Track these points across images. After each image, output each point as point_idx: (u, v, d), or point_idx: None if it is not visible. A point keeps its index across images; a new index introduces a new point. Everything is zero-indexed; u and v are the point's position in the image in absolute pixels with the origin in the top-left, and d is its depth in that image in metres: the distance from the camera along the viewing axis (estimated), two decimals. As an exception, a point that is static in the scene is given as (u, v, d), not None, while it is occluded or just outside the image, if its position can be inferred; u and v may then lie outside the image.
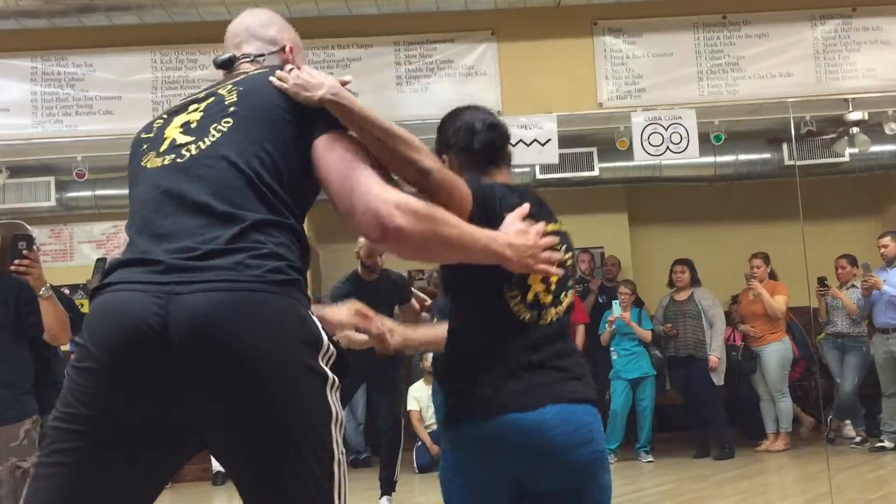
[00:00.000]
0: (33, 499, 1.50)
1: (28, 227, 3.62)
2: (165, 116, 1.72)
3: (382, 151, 1.59)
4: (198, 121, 1.64)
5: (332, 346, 1.53)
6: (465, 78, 4.05)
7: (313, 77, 1.62)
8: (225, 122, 1.62)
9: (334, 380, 1.52)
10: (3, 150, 4.78)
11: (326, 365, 1.50)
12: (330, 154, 1.58)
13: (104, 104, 2.15)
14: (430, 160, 1.62)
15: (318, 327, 1.51)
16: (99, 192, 6.27)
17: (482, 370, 1.79)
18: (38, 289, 3.23)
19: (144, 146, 1.68)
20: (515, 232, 1.74)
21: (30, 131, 3.99)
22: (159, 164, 1.61)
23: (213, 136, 1.60)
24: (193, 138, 1.62)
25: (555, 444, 1.75)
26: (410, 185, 1.62)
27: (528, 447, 1.75)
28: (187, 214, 1.51)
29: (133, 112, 3.85)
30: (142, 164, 1.65)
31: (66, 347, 3.58)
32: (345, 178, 1.55)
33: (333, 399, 1.51)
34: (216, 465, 6.19)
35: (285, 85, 1.64)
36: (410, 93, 4.05)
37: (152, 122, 1.74)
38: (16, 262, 3.21)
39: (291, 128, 1.60)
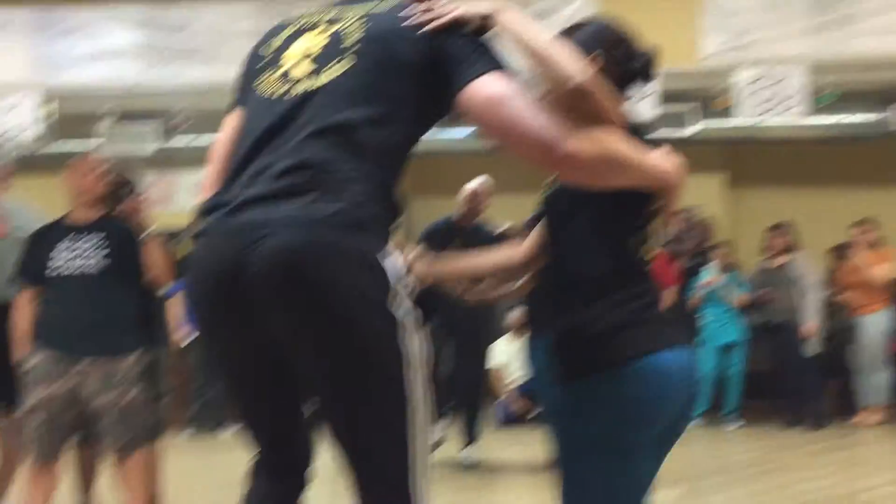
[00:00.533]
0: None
1: (135, 171, 3.76)
2: (285, 36, 1.67)
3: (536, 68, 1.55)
4: (318, 52, 1.59)
5: (405, 293, 1.55)
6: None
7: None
8: (344, 62, 1.57)
9: (408, 324, 1.54)
10: (112, 96, 4.94)
11: (398, 310, 1.52)
12: (479, 100, 1.53)
13: (210, 51, 2.17)
14: (581, 74, 1.54)
15: (389, 273, 1.52)
16: (200, 138, 6.45)
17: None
18: (142, 232, 3.37)
19: (259, 65, 1.67)
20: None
21: (137, 77, 4.11)
22: (269, 95, 1.60)
23: (329, 75, 1.56)
24: (309, 71, 1.58)
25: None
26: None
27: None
28: (283, 157, 1.51)
29: (236, 60, 3.91)
30: (254, 85, 1.65)
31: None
32: (501, 124, 1.53)
33: (408, 344, 1.53)
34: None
35: (437, 24, 1.56)
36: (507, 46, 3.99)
37: (270, 37, 1.70)
38: (122, 205, 3.35)
39: (419, 76, 1.56)
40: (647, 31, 4.14)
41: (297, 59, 1.60)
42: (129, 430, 3.31)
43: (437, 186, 7.70)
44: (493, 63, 1.55)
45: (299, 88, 1.56)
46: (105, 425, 3.30)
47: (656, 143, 1.76)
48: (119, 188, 3.42)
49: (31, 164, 5.31)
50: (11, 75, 4.09)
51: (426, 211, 7.05)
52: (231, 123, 1.71)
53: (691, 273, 6.97)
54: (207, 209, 1.58)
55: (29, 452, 3.31)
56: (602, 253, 1.73)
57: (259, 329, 1.52)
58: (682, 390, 1.72)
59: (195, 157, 6.62)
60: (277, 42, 1.67)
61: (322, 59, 1.58)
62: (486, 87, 1.52)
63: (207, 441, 6.54)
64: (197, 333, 2.79)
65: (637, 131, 1.71)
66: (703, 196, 7.20)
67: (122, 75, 4.14)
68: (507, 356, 6.96)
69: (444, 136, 6.92)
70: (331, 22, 1.63)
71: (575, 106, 1.53)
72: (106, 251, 3.37)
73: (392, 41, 1.57)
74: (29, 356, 3.31)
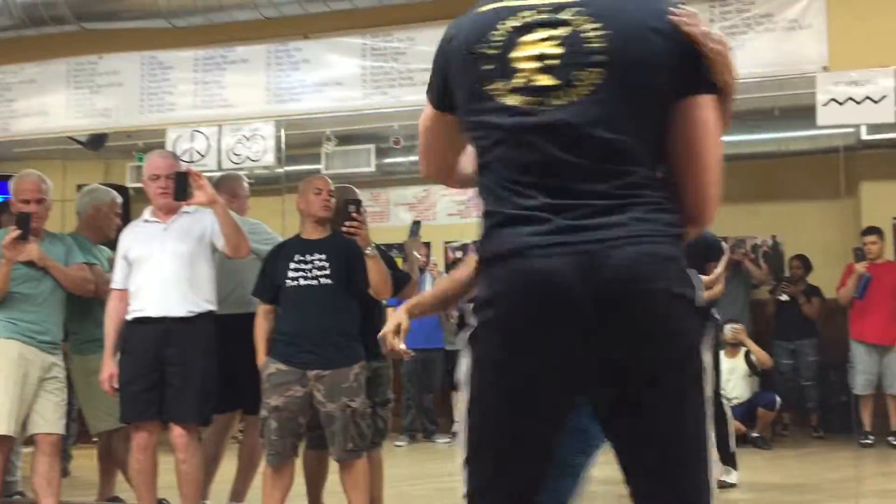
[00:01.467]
0: None
1: (356, 191, 3.98)
2: (507, 30, 1.51)
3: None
4: (558, 58, 1.47)
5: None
6: (787, 33, 3.73)
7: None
8: (592, 74, 1.46)
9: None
10: (334, 121, 5.25)
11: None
12: (697, 119, 1.50)
13: (424, 76, 2.27)
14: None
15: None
16: (413, 158, 6.72)
17: None
18: (364, 248, 3.55)
19: (485, 66, 1.51)
20: None
21: (358, 103, 4.34)
22: (517, 105, 1.49)
23: (581, 89, 1.46)
24: (558, 82, 1.47)
25: None
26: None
27: None
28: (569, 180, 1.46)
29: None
30: (487, 90, 1.51)
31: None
32: (702, 152, 1.51)
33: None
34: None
35: (693, 31, 1.46)
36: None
37: (486, 31, 1.52)
38: (346, 223, 3.54)
39: (667, 85, 1.48)
40: (884, 28, 3.84)
41: (537, 63, 1.49)
42: (353, 436, 3.48)
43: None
44: (714, 90, 1.52)
45: (557, 101, 1.47)
46: (331, 431, 3.50)
47: None
48: (345, 205, 3.62)
49: (266, 186, 5.76)
50: (251, 107, 4.47)
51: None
52: (445, 125, 1.64)
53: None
54: (500, 223, 1.50)
55: (266, 453, 3.57)
56: None
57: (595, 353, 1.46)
58: None
59: (407, 176, 6.93)
60: (497, 37, 1.51)
61: (567, 63, 1.47)
62: (712, 109, 1.51)
63: (421, 449, 6.75)
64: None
65: None
66: None
67: (343, 102, 4.39)
68: (723, 373, 6.66)
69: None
70: (556, 22, 1.49)
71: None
72: (332, 267, 3.58)
73: (640, 38, 1.47)
74: (266, 365, 3.58)
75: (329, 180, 3.83)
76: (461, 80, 1.57)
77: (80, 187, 6.02)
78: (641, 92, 1.48)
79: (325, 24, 4.37)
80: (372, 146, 6.82)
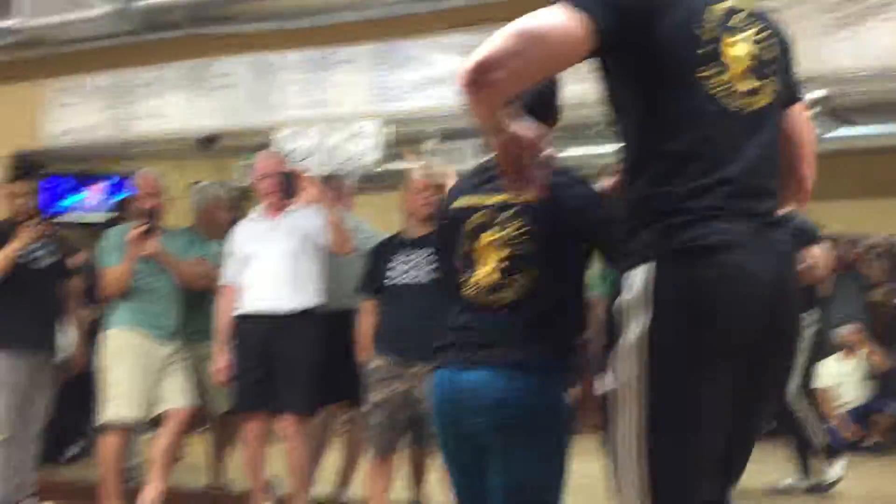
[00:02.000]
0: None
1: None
2: (718, 18, 1.52)
3: None
4: (759, 61, 1.54)
5: None
6: (911, 21, 3.57)
7: None
8: (772, 82, 1.56)
9: None
10: (436, 119, 5.29)
11: None
12: (804, 120, 1.69)
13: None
14: None
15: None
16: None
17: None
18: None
19: (699, 49, 1.49)
20: None
21: (457, 100, 4.37)
22: (725, 98, 1.49)
23: (770, 95, 1.56)
24: (759, 85, 1.54)
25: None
26: None
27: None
28: (758, 185, 1.51)
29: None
30: (697, 76, 1.48)
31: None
32: (809, 144, 1.69)
33: None
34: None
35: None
36: (844, 41, 3.67)
37: (699, 12, 1.50)
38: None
39: (792, 94, 1.67)
40: None
41: (742, 66, 1.51)
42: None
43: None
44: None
45: (753, 106, 1.52)
46: (431, 428, 3.52)
47: None
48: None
49: (370, 183, 5.86)
50: (355, 106, 4.56)
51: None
52: (579, 53, 1.46)
53: None
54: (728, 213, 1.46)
55: (370, 446, 3.63)
56: None
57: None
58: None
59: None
60: (712, 23, 1.51)
61: (760, 75, 1.54)
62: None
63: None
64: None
65: None
66: None
67: (445, 100, 4.41)
68: (838, 376, 6.39)
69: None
70: (750, 21, 1.56)
71: None
72: (434, 263, 3.60)
73: (787, 52, 1.63)
74: (370, 360, 3.64)
75: (434, 175, 3.84)
76: (676, 59, 1.49)
77: (192, 185, 6.28)
78: (786, 102, 1.63)
79: (427, 24, 4.41)
80: (473, 143, 6.83)
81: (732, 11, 1.54)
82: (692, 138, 1.47)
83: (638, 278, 1.45)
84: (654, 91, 1.49)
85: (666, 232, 1.44)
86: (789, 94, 1.61)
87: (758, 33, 1.55)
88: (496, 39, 1.44)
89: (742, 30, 1.53)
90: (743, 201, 1.46)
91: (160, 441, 3.88)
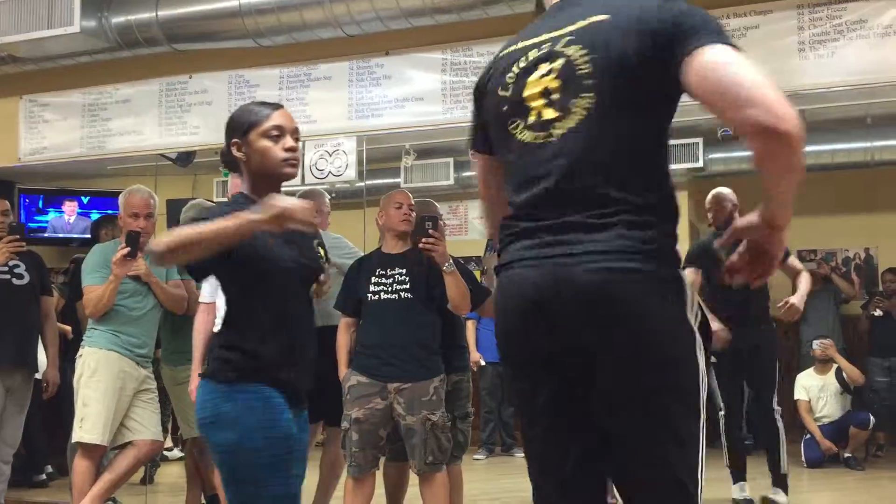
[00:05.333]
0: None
1: (437, 206, 4.00)
2: (514, 69, 1.68)
3: None
4: (557, 91, 1.62)
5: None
6: (881, 39, 3.60)
7: None
8: (585, 99, 1.60)
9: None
10: (413, 135, 5.30)
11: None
12: (710, 58, 1.50)
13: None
14: None
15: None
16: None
17: None
18: (441, 264, 3.55)
19: (505, 107, 1.69)
20: None
21: (438, 118, 4.38)
22: (530, 140, 1.65)
23: (576, 115, 1.60)
24: (559, 115, 1.62)
25: None
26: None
27: None
28: (561, 204, 1.61)
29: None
30: (510, 130, 1.68)
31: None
32: (712, 93, 1.50)
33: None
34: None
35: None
36: (815, 59, 3.72)
37: (501, 73, 1.70)
38: (423, 240, 3.55)
39: (660, 69, 1.55)
40: None
41: (542, 98, 1.64)
42: (432, 449, 3.49)
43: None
44: (725, 39, 1.53)
45: (558, 131, 1.62)
46: (411, 444, 3.52)
47: None
48: (422, 221, 3.64)
49: (348, 200, 5.86)
50: (333, 122, 4.56)
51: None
52: (487, 167, 1.84)
53: None
54: (509, 239, 1.71)
55: (348, 464, 3.61)
56: None
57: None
58: None
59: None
60: (510, 78, 1.68)
61: (566, 93, 1.61)
62: (714, 51, 1.50)
63: (499, 463, 6.72)
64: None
65: None
66: None
67: (423, 117, 4.43)
68: (813, 391, 6.45)
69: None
70: (552, 55, 1.64)
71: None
72: (413, 281, 3.61)
73: (617, 52, 1.57)
74: (348, 377, 3.62)
75: (409, 194, 3.86)
76: (491, 126, 1.75)
77: (169, 202, 6.24)
78: (632, 98, 1.58)
79: (406, 41, 4.43)
80: (451, 160, 6.85)
81: (532, 48, 1.68)
82: (508, 184, 1.72)
83: None
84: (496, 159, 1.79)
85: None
86: (639, 80, 1.57)
87: (554, 61, 1.63)
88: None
89: (536, 67, 1.65)
90: (523, 223, 1.65)
91: (119, 462, 3.82)
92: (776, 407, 4.68)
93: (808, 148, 6.10)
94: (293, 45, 4.54)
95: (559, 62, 1.62)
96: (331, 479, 4.12)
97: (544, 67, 1.64)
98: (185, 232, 2.02)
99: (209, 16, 4.53)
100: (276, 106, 2.29)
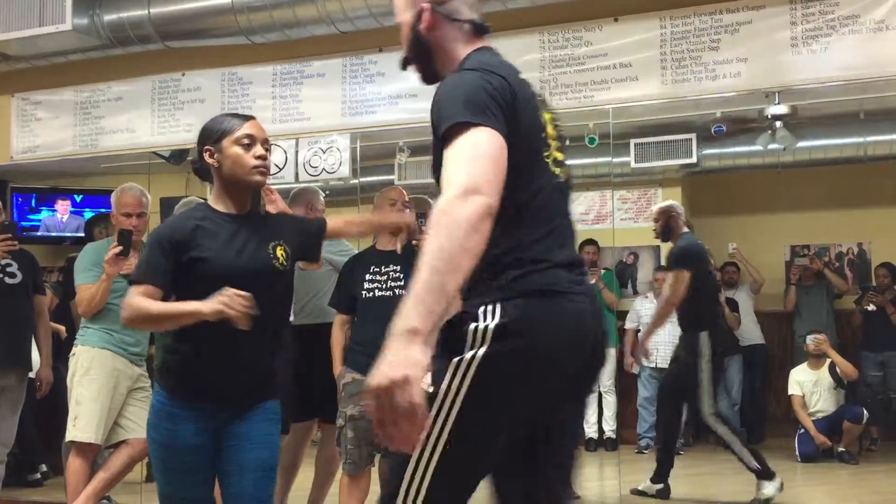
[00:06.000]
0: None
1: (431, 203, 3.99)
2: (533, 101, 1.74)
3: None
4: (556, 139, 1.79)
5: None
6: (873, 34, 3.60)
7: None
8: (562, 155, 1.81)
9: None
10: (407, 132, 5.29)
11: None
12: None
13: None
14: None
15: None
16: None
17: None
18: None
19: (542, 134, 1.73)
20: None
21: (428, 115, 4.38)
22: (557, 174, 1.76)
23: (564, 170, 1.80)
24: (562, 160, 1.80)
25: None
26: None
27: None
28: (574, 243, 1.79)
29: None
30: (544, 157, 1.73)
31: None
32: None
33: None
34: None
35: None
36: (807, 54, 3.73)
37: (530, 97, 1.72)
38: (416, 238, 3.55)
39: None
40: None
41: (557, 143, 1.78)
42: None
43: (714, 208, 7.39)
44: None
45: (563, 177, 1.78)
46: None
47: None
48: (416, 219, 3.64)
49: (342, 197, 5.85)
50: (327, 119, 4.55)
51: (706, 230, 6.79)
52: (504, 151, 1.60)
53: None
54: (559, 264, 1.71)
55: (344, 462, 3.61)
56: None
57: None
58: None
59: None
60: (535, 107, 1.74)
61: (561, 150, 1.79)
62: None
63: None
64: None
65: None
66: None
67: (417, 114, 4.42)
68: (806, 386, 6.46)
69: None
70: (542, 101, 1.79)
71: None
72: (407, 278, 3.61)
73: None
74: (343, 374, 3.62)
75: (403, 191, 3.86)
76: (531, 138, 1.70)
77: (163, 200, 6.22)
78: None
79: (399, 38, 4.42)
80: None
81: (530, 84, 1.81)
82: (538, 208, 1.75)
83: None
84: (521, 171, 1.80)
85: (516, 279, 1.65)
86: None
87: (543, 109, 1.79)
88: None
89: (541, 106, 1.79)
90: (560, 253, 1.72)
91: (113, 461, 3.81)
92: (708, 411, 4.68)
93: (802, 143, 6.17)
94: (286, 42, 4.52)
95: (547, 114, 1.78)
96: (326, 477, 4.13)
97: (547, 115, 1.77)
98: (143, 313, 2.30)
99: (202, 13, 4.52)
100: (248, 117, 2.44)
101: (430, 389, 1.56)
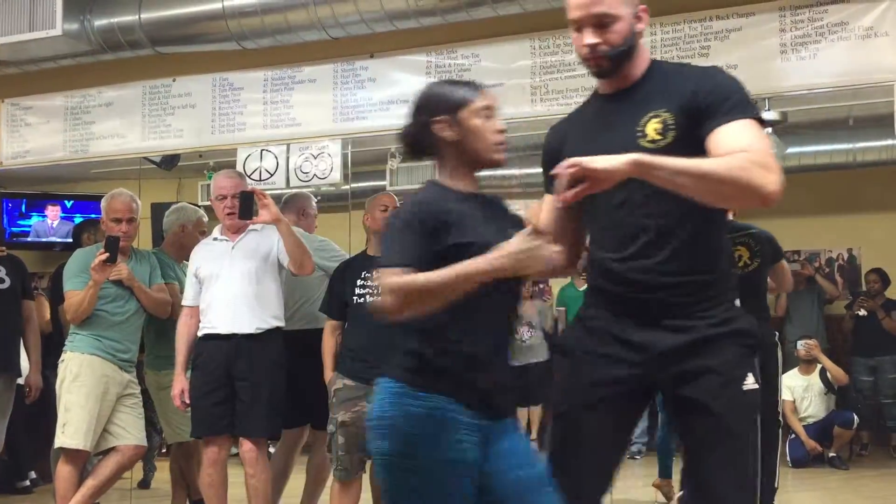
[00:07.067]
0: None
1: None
2: None
3: None
4: None
5: None
6: (862, 41, 3.62)
7: None
8: None
9: None
10: (397, 138, 5.29)
11: None
12: None
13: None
14: None
15: None
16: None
17: None
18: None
19: None
20: None
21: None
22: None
23: None
24: None
25: None
26: None
27: None
28: None
29: (513, 97, 4.06)
30: None
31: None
32: None
33: None
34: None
35: None
36: (797, 61, 3.74)
37: None
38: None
39: None
40: None
41: None
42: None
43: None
44: None
45: None
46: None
47: None
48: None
49: (333, 203, 5.84)
50: (318, 125, 4.55)
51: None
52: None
53: None
54: None
55: (335, 468, 3.60)
56: None
57: None
58: None
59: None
60: None
61: None
62: None
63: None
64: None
65: None
66: None
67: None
68: (797, 391, 6.49)
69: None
70: None
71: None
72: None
73: None
74: (334, 380, 3.61)
75: (395, 197, 3.86)
76: None
77: (154, 206, 6.20)
78: None
79: (391, 44, 4.42)
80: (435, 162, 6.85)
81: None
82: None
83: None
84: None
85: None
86: None
87: None
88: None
89: None
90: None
91: (103, 467, 3.79)
92: None
93: (791, 149, 6.17)
94: (277, 48, 4.52)
95: None
96: (317, 483, 4.11)
97: None
98: (410, 286, 1.84)
99: (193, 18, 4.50)
100: (479, 85, 2.04)
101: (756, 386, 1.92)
